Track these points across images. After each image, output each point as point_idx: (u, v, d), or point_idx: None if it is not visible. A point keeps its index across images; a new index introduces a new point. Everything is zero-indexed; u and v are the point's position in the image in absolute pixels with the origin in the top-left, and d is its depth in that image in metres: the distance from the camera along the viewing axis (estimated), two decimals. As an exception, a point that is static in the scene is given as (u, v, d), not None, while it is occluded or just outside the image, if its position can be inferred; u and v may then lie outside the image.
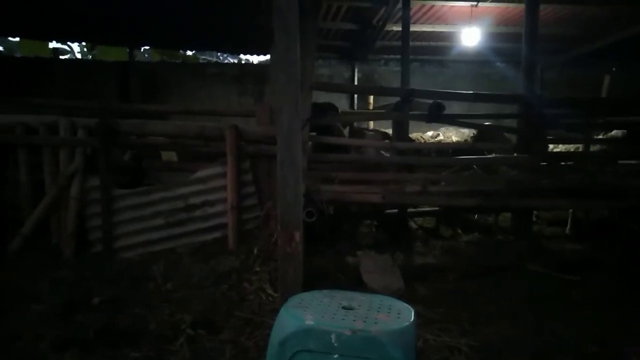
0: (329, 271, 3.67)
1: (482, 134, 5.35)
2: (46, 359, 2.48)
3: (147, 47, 11.01)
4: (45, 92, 6.73)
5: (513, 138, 5.29)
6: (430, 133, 8.31)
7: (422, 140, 6.80)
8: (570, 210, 5.43)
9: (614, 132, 5.30)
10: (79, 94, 6.67)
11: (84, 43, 11.19)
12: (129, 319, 2.93)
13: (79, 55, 11.91)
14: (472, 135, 6.67)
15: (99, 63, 9.52)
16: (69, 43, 10.91)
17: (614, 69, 8.33)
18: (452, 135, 8.31)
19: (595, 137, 5.68)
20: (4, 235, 3.94)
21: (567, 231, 5.47)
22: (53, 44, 9.94)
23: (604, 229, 5.19)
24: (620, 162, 4.91)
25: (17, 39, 9.92)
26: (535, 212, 5.50)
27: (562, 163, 4.79)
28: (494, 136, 5.27)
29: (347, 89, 9.03)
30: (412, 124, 5.57)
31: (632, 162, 4.90)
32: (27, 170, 4.08)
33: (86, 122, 4.12)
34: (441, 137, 8.02)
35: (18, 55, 10.34)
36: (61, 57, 9.91)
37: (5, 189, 4.15)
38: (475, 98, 5.17)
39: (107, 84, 8.88)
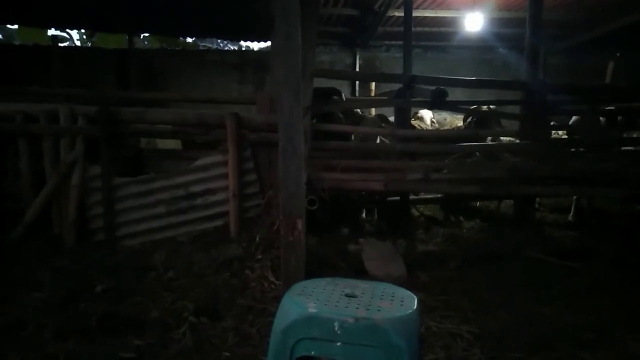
0: (330, 258, 3.67)
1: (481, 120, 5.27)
2: (48, 347, 2.48)
3: (146, 34, 10.90)
4: (44, 80, 6.67)
5: (514, 124, 5.25)
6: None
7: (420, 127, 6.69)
8: (574, 198, 5.42)
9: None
10: (78, 81, 6.62)
11: (83, 30, 11.07)
12: (131, 307, 2.94)
13: (78, 43, 11.80)
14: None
15: (98, 50, 9.43)
16: (68, 30, 10.78)
17: (618, 55, 8.22)
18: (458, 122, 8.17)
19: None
20: (5, 226, 3.93)
21: (569, 218, 5.47)
22: (52, 32, 9.80)
23: (607, 216, 5.19)
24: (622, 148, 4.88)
25: (16, 26, 9.82)
26: (537, 199, 5.49)
27: (565, 150, 4.76)
28: (490, 122, 5.21)
29: (349, 76, 8.95)
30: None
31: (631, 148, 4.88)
32: (28, 159, 4.06)
33: (86, 110, 4.09)
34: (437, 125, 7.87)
35: (17, 42, 10.24)
36: (60, 44, 9.81)
37: (6, 179, 4.13)
38: (478, 84, 5.13)
39: (107, 72, 8.80)
